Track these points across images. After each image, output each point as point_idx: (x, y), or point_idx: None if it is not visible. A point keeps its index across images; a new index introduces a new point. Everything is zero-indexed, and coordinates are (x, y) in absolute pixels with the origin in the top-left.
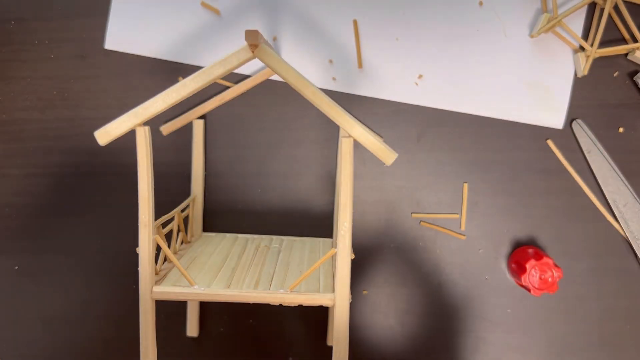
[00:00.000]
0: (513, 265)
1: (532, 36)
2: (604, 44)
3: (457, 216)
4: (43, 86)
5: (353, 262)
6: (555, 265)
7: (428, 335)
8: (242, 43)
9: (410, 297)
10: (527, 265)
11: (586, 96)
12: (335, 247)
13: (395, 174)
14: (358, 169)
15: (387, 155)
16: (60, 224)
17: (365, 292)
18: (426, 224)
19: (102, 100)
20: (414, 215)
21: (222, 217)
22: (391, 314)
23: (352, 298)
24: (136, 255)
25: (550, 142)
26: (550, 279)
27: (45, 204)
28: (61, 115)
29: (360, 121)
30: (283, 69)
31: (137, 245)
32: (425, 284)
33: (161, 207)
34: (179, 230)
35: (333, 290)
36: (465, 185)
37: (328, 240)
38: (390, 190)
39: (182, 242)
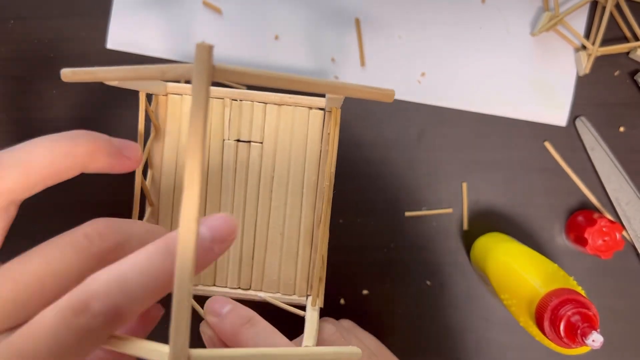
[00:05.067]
0: (573, 238)
1: (533, 35)
2: (605, 42)
3: (450, 211)
4: (43, 85)
5: (354, 262)
6: (610, 222)
7: (429, 334)
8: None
9: (411, 296)
10: (586, 236)
11: (587, 95)
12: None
13: (395, 173)
14: (358, 168)
15: (386, 94)
16: (60, 224)
17: (365, 292)
18: (417, 213)
19: (102, 100)
20: (407, 214)
21: None
22: (391, 313)
23: (352, 298)
24: None
25: (548, 144)
26: (610, 239)
27: (45, 204)
28: (61, 115)
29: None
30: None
31: None
32: (426, 283)
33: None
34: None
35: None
36: (464, 184)
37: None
38: (391, 189)
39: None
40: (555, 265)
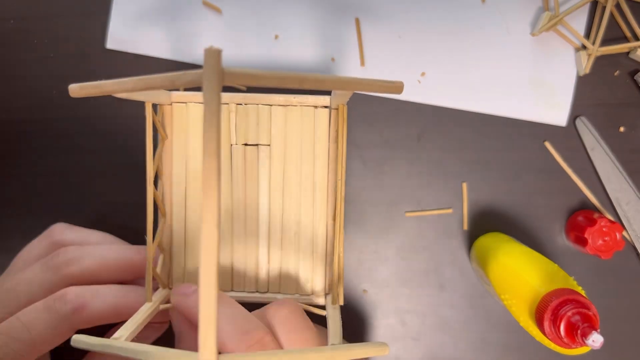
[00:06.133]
0: (573, 238)
1: (533, 34)
2: (605, 42)
3: (450, 211)
4: (43, 86)
5: (355, 261)
6: (611, 222)
7: (428, 334)
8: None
9: (411, 296)
10: (586, 236)
11: (587, 95)
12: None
13: (395, 173)
14: (358, 169)
15: (395, 86)
16: None
17: (365, 291)
18: (417, 213)
19: (102, 100)
20: (407, 214)
21: None
22: (391, 313)
23: (352, 298)
24: None
25: (548, 144)
26: (610, 239)
27: (45, 204)
28: (61, 115)
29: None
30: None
31: (137, 243)
32: (426, 283)
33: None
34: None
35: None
36: (465, 184)
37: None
38: (391, 189)
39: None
40: (556, 265)
